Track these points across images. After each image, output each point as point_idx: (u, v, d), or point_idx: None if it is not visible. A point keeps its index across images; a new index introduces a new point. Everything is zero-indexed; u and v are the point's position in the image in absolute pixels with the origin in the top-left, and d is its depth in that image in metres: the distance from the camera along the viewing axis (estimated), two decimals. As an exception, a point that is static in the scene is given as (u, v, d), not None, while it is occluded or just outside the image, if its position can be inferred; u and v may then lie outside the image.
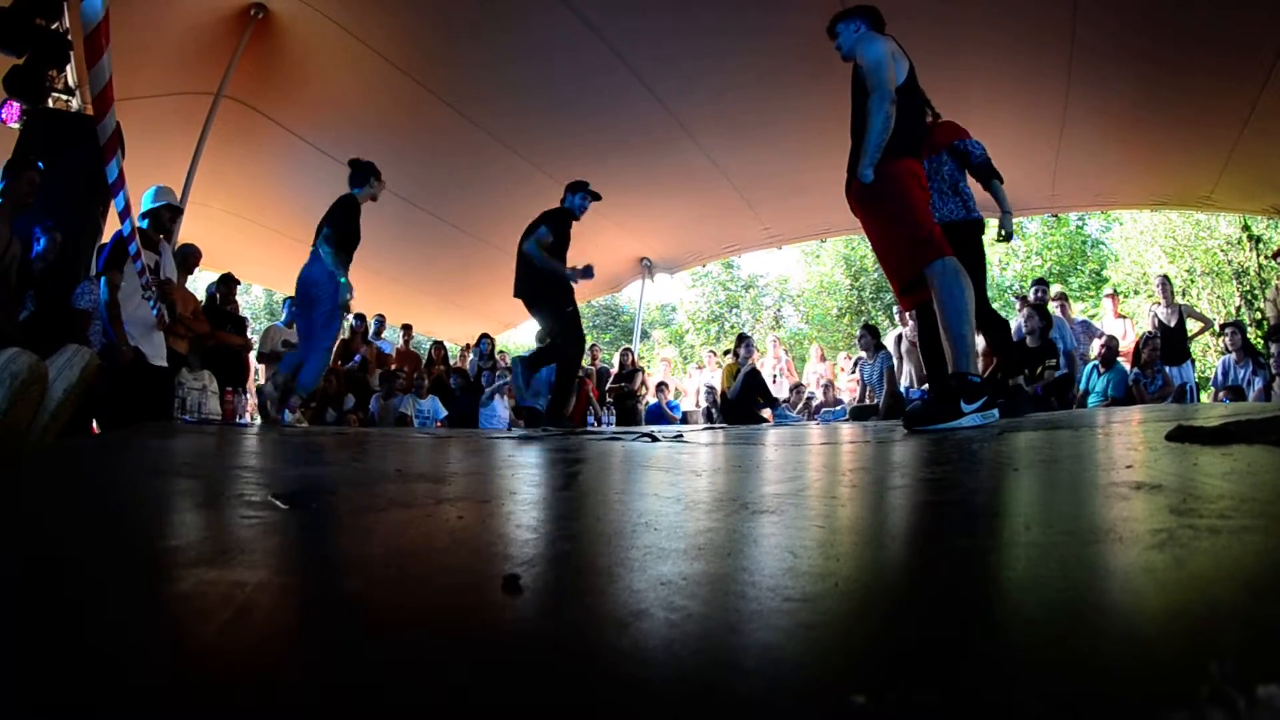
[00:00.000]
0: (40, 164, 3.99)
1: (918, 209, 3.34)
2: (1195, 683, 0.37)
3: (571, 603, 0.62)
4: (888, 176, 3.31)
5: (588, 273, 5.73)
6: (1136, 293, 17.66)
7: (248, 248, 9.57)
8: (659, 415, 9.90)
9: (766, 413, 8.53)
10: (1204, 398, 8.29)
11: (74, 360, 2.83)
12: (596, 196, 5.88)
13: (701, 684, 0.42)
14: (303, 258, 5.37)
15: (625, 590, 0.64)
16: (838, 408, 9.16)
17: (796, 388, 10.09)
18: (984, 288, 4.59)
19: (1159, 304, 8.32)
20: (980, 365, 3.28)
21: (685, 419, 10.15)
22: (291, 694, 0.42)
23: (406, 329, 10.97)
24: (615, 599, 0.62)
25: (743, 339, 8.97)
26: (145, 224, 4.96)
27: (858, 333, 9.71)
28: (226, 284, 7.40)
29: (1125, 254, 19.24)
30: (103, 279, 4.47)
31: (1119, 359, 7.70)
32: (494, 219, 9.62)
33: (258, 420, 7.78)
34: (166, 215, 5.10)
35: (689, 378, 12.56)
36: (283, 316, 9.07)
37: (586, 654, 0.48)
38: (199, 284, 9.08)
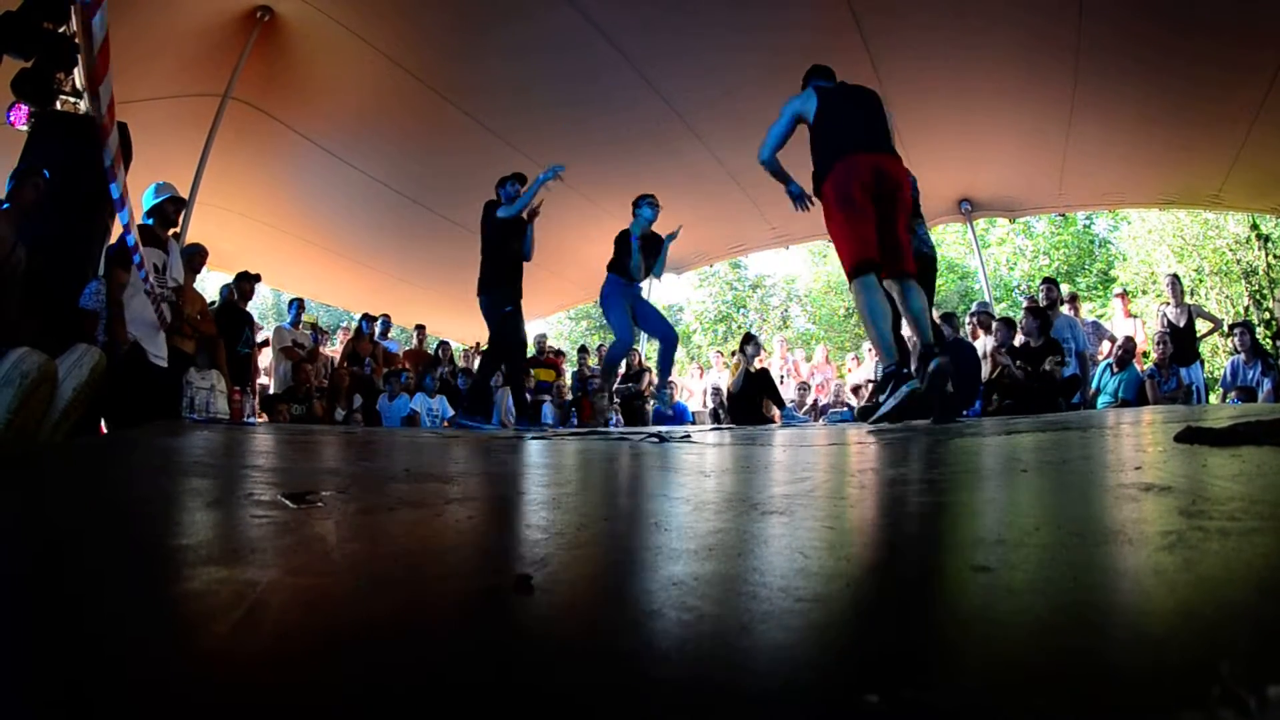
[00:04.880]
0: (45, 170, 4.01)
1: (839, 233, 4.05)
2: (1206, 684, 0.37)
3: (583, 603, 0.62)
4: (823, 199, 4.15)
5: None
6: (1144, 292, 17.60)
7: (255, 248, 9.60)
8: (667, 416, 9.89)
9: (775, 413, 8.52)
10: (1213, 398, 8.24)
11: (83, 359, 2.84)
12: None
13: (715, 684, 0.42)
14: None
15: (637, 590, 0.64)
16: (843, 409, 9.14)
17: (802, 387, 10.07)
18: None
19: (1168, 304, 8.28)
20: (896, 357, 3.95)
21: (693, 419, 10.14)
22: (304, 694, 0.42)
23: (420, 329, 10.99)
24: (627, 599, 0.62)
25: (749, 338, 8.97)
26: (150, 221, 4.98)
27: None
28: (247, 281, 7.45)
29: (1133, 253, 19.17)
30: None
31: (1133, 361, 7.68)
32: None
33: (264, 419, 7.81)
34: (170, 207, 5.13)
35: (694, 378, 12.53)
36: (289, 317, 9.10)
37: (599, 654, 0.48)
38: (207, 284, 9.14)
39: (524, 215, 6.25)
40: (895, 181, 4.06)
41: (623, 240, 6.56)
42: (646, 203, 6.58)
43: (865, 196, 3.95)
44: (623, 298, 6.43)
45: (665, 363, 6.82)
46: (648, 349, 11.11)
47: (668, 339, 6.63)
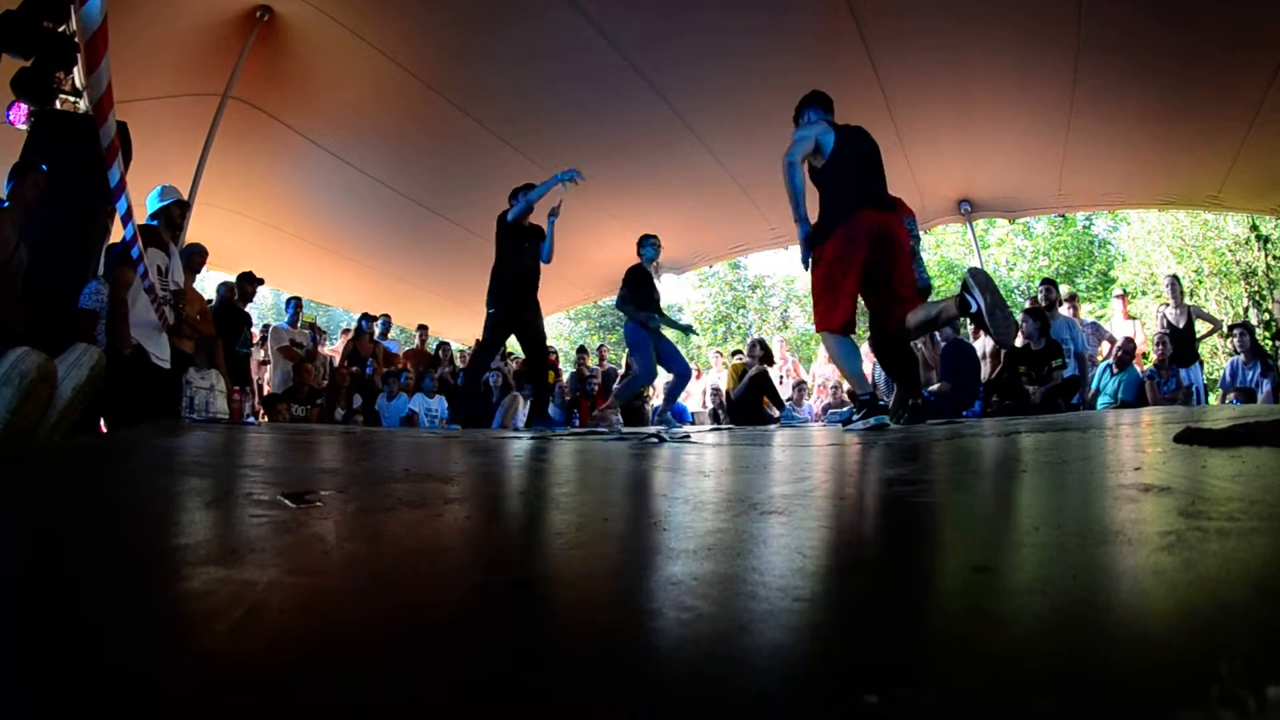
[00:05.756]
0: (45, 166, 4.00)
1: (825, 294, 4.13)
2: (1205, 684, 0.37)
3: (582, 602, 0.62)
4: (821, 254, 4.16)
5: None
6: (1144, 293, 17.60)
7: (254, 248, 9.59)
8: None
9: (774, 413, 8.53)
10: (1212, 399, 8.24)
11: (82, 359, 2.84)
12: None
13: (713, 682, 0.42)
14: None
15: (636, 590, 0.64)
16: (844, 409, 9.14)
17: (799, 385, 10.06)
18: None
19: (1168, 305, 8.27)
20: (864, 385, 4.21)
21: (692, 419, 10.14)
22: (302, 694, 0.42)
23: (422, 329, 10.98)
24: (626, 599, 0.62)
25: (760, 344, 9.00)
26: (156, 224, 4.97)
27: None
28: (250, 283, 7.45)
29: (1133, 254, 19.17)
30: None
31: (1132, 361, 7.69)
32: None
33: (264, 419, 7.81)
34: (177, 211, 5.12)
35: (694, 379, 12.53)
36: (286, 317, 9.09)
37: (598, 653, 0.48)
38: (206, 283, 9.13)
39: (537, 219, 6.32)
40: (894, 239, 4.15)
41: (637, 274, 6.87)
42: (650, 243, 6.91)
43: (859, 260, 4.04)
44: (650, 337, 6.73)
45: (673, 393, 7.17)
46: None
47: (683, 375, 7.01)
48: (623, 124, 7.88)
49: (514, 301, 6.17)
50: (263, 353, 9.09)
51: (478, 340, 6.92)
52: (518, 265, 6.16)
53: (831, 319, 4.09)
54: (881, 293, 4.20)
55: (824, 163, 4.21)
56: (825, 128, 4.28)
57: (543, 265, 6.43)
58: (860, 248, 4.00)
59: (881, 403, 4.07)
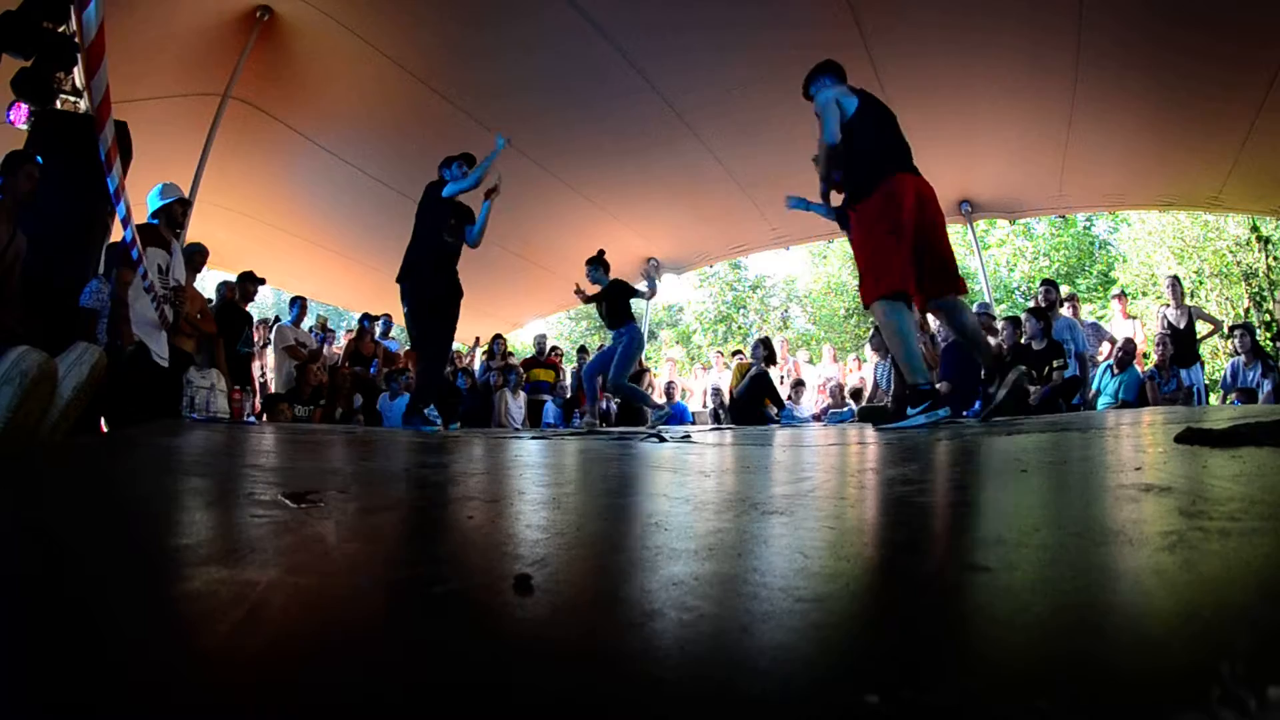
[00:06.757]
0: (39, 159, 4.01)
1: (873, 258, 3.92)
2: (1206, 684, 0.37)
3: (584, 603, 0.62)
4: (860, 216, 4.01)
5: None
6: (1144, 294, 17.61)
7: (255, 247, 9.61)
8: (667, 416, 9.89)
9: (774, 413, 8.54)
10: (1213, 400, 8.24)
11: (83, 358, 2.84)
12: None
13: (715, 683, 0.42)
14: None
15: (637, 590, 0.64)
16: (844, 409, 9.14)
17: (797, 384, 10.06)
18: None
19: (1169, 305, 8.27)
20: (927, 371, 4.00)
21: (693, 419, 10.15)
22: (304, 694, 0.42)
23: None
24: (627, 599, 0.62)
25: (764, 343, 9.01)
26: (156, 222, 4.98)
27: (869, 333, 9.72)
28: (251, 282, 7.45)
29: (1133, 255, 19.18)
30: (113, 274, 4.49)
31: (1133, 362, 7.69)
32: (500, 220, 9.64)
33: (265, 419, 7.81)
34: (179, 209, 5.13)
35: (695, 378, 12.54)
36: (289, 316, 9.09)
37: (599, 654, 0.48)
38: (207, 282, 9.14)
39: (470, 200, 5.83)
40: (935, 203, 4.02)
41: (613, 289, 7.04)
42: (589, 263, 7.09)
43: (907, 222, 3.84)
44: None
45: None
46: (649, 348, 11.12)
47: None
48: (623, 124, 7.90)
49: (435, 285, 5.58)
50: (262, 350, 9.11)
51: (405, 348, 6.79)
52: (441, 246, 5.62)
53: (880, 286, 3.85)
54: (931, 262, 3.96)
55: (847, 121, 4.04)
56: (843, 90, 4.13)
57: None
58: (904, 209, 3.83)
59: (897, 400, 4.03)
